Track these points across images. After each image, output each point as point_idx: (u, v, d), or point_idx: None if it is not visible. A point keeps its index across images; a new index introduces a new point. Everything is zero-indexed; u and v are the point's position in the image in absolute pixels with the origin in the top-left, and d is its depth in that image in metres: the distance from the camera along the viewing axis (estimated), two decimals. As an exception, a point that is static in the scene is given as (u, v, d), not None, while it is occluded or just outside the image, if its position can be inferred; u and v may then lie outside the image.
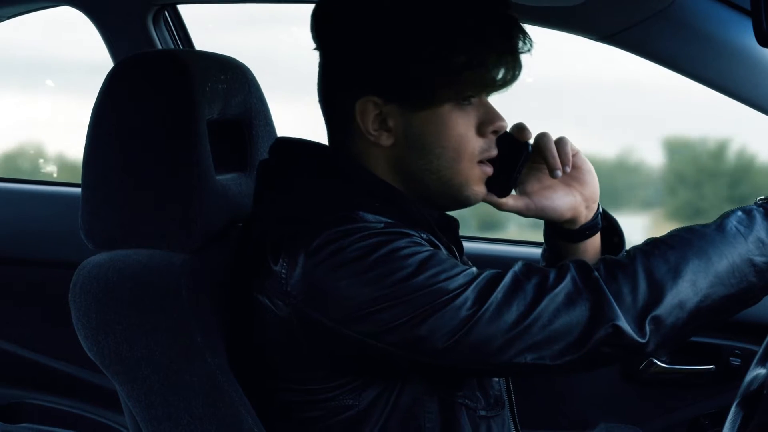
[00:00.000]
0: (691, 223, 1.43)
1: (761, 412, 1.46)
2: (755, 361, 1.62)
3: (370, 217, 1.39)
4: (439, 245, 1.43)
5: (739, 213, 1.41)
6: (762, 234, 1.38)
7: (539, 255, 1.69)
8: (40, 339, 2.70)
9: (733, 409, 1.52)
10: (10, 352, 2.72)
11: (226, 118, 1.60)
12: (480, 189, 1.48)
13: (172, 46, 2.56)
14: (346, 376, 1.41)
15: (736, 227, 1.38)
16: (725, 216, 1.41)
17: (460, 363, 1.34)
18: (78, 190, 1.53)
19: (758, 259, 1.37)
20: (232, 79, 1.62)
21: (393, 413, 1.42)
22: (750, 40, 1.72)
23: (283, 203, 1.45)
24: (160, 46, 2.52)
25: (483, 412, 1.49)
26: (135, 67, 1.55)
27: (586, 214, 1.56)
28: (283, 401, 1.44)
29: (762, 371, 1.55)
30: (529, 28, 1.48)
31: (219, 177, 1.54)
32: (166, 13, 2.54)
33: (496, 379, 1.55)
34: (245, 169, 1.65)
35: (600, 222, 1.59)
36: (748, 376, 1.58)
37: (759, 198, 1.45)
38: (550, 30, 2.10)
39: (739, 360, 2.26)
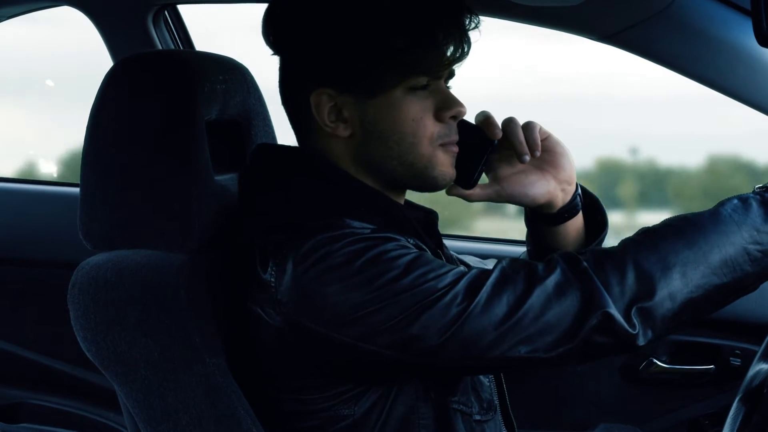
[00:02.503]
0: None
1: (762, 408, 1.45)
2: (757, 356, 1.61)
3: (356, 223, 1.38)
4: (426, 249, 1.43)
5: (735, 201, 1.39)
6: (758, 222, 1.36)
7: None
8: (40, 339, 2.69)
9: (734, 404, 1.52)
10: (10, 352, 2.72)
11: (224, 118, 1.60)
12: (447, 170, 1.47)
13: (172, 46, 2.56)
14: (341, 385, 1.40)
15: (730, 215, 1.36)
16: (721, 204, 1.39)
17: (454, 360, 1.33)
18: (77, 190, 1.53)
19: (752, 248, 1.35)
20: (231, 80, 1.62)
21: (388, 421, 1.42)
22: (750, 40, 1.72)
23: (267, 210, 1.45)
24: (159, 46, 2.52)
25: (477, 417, 1.49)
26: (134, 67, 1.54)
27: (563, 197, 1.56)
28: (279, 411, 1.44)
29: (764, 367, 1.55)
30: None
31: (218, 177, 1.54)
32: (166, 13, 2.54)
33: (487, 383, 1.54)
34: (244, 169, 1.65)
35: (579, 203, 1.58)
36: (751, 372, 1.58)
37: (757, 186, 1.44)
38: (551, 30, 2.10)
39: (739, 360, 2.26)
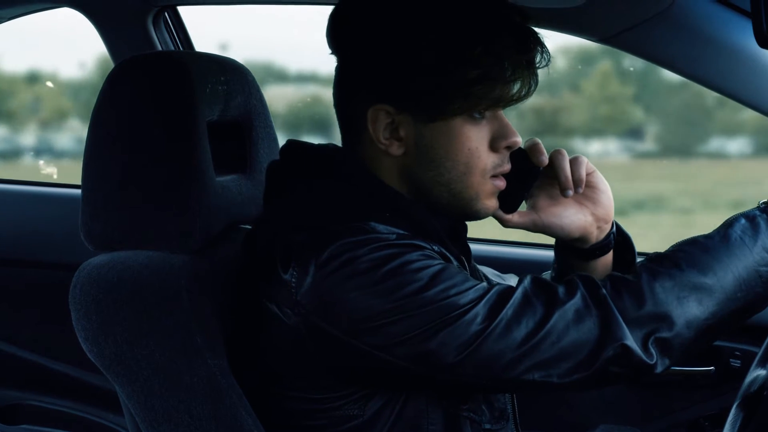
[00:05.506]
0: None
1: (761, 413, 1.45)
2: (755, 362, 1.61)
3: (381, 228, 1.37)
4: (450, 257, 1.42)
5: (743, 221, 1.40)
6: (767, 242, 1.38)
7: (548, 258, 1.68)
8: (40, 340, 2.70)
9: (733, 410, 1.52)
10: (10, 353, 2.72)
11: (226, 119, 1.60)
12: (491, 203, 1.46)
13: (172, 48, 2.56)
14: (352, 386, 1.40)
15: (740, 237, 1.37)
16: (729, 225, 1.40)
17: (469, 378, 1.33)
18: (78, 191, 1.53)
19: (764, 269, 1.37)
20: (232, 81, 1.62)
21: (397, 424, 1.41)
22: (750, 41, 1.72)
23: (292, 208, 1.44)
24: (160, 48, 2.52)
25: (488, 426, 1.48)
26: (135, 68, 1.54)
27: (597, 234, 1.53)
28: (286, 408, 1.44)
29: (762, 372, 1.55)
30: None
31: (219, 178, 1.54)
32: (166, 14, 2.54)
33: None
34: (245, 170, 1.65)
35: (612, 242, 1.56)
36: (748, 377, 1.58)
37: (761, 201, 1.44)
38: (551, 32, 2.10)
39: (739, 361, 2.26)
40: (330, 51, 1.47)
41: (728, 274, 1.35)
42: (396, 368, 1.33)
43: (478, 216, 1.47)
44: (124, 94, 1.51)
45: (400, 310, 1.31)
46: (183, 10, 2.58)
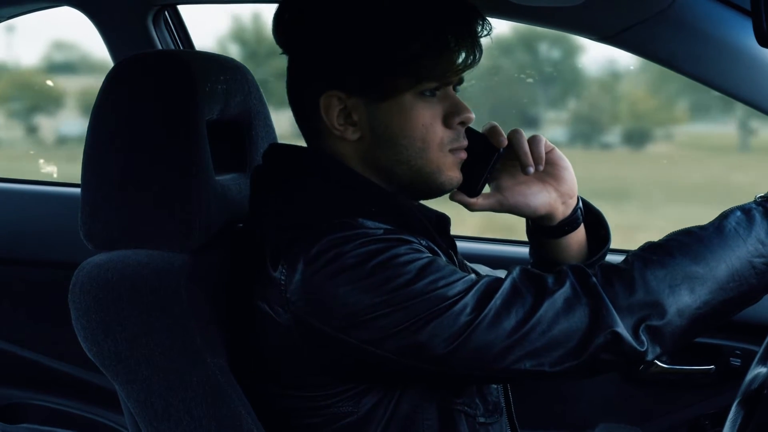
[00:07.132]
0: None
1: (761, 411, 1.45)
2: (756, 360, 1.61)
3: (369, 223, 1.38)
4: (438, 251, 1.43)
5: (738, 213, 1.40)
6: (762, 234, 1.37)
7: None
8: (40, 339, 2.70)
9: (733, 408, 1.52)
10: (10, 352, 2.73)
11: (225, 118, 1.60)
12: (454, 174, 1.48)
13: (172, 47, 2.56)
14: (346, 383, 1.40)
15: (735, 228, 1.37)
16: (724, 216, 1.40)
17: (460, 369, 1.33)
18: (78, 190, 1.53)
19: (758, 261, 1.37)
20: (232, 80, 1.62)
21: (392, 420, 1.42)
22: (750, 40, 1.72)
23: (279, 209, 1.45)
24: (160, 47, 2.52)
25: (482, 419, 1.49)
26: (135, 67, 1.54)
27: (563, 210, 1.56)
28: (282, 407, 1.44)
29: (762, 370, 1.55)
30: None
31: (218, 177, 1.54)
32: (166, 13, 2.54)
33: (495, 386, 1.54)
34: (245, 169, 1.66)
35: (580, 217, 1.58)
36: (749, 375, 1.58)
37: (758, 195, 1.44)
38: (549, 30, 2.10)
39: (739, 360, 2.26)
40: (280, 51, 1.49)
41: (721, 264, 1.35)
42: (387, 362, 1.34)
43: (443, 189, 1.49)
44: (123, 92, 1.51)
45: (388, 303, 1.31)
46: (183, 9, 2.58)
